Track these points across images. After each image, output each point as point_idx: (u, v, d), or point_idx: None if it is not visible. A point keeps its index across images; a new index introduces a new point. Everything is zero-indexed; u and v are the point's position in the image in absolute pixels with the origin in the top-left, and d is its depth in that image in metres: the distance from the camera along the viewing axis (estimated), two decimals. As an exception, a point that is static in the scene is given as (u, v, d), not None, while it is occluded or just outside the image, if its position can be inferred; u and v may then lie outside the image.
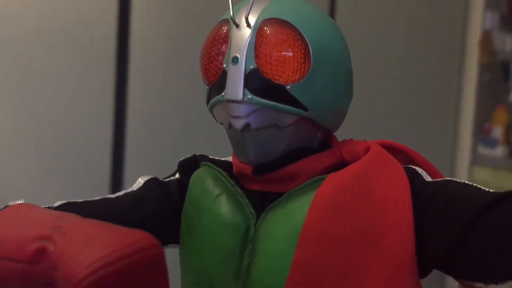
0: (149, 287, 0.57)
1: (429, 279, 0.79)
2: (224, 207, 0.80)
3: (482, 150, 2.81)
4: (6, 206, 0.79)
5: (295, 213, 0.75)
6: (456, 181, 0.73)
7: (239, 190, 0.81)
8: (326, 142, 0.83)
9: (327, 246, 0.72)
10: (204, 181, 0.84)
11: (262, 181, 0.80)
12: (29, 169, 1.85)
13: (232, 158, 0.85)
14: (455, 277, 0.71)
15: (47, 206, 0.82)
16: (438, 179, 0.76)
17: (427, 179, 0.76)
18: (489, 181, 2.80)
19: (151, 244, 0.57)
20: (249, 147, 0.78)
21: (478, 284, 0.69)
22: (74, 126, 1.92)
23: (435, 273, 0.76)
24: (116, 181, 1.99)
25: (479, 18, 2.81)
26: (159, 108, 2.07)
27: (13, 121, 1.82)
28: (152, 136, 2.05)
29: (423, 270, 0.74)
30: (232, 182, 0.82)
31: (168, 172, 0.95)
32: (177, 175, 0.92)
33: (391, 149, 0.81)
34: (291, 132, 0.77)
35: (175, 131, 2.10)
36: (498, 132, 2.75)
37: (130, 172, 2.00)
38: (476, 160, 2.84)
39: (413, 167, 0.78)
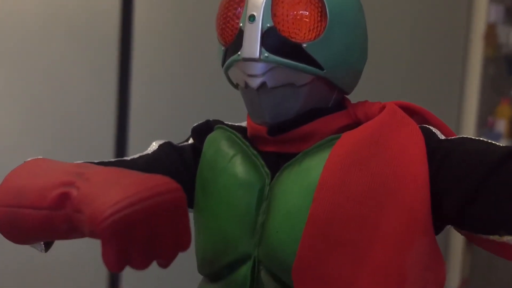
0: (171, 229, 0.56)
1: None
2: (239, 167, 0.81)
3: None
4: (25, 162, 0.79)
5: (310, 170, 0.75)
6: (471, 138, 0.74)
7: (254, 151, 0.81)
8: (341, 104, 0.83)
9: (342, 201, 0.72)
10: (218, 143, 0.85)
11: (277, 142, 0.80)
12: (33, 150, 1.85)
13: (247, 120, 0.85)
14: (470, 230, 0.72)
15: None
16: (453, 137, 0.76)
17: (441, 138, 0.76)
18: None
19: (174, 188, 0.57)
20: (264, 107, 0.78)
21: (492, 237, 0.69)
22: (77, 121, 1.92)
23: (438, 238, 0.76)
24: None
25: (484, 12, 2.82)
26: (162, 102, 2.07)
27: (16, 116, 1.82)
28: (155, 130, 2.05)
29: (438, 226, 0.74)
30: (247, 143, 0.82)
31: None
32: (190, 141, 0.93)
33: (407, 110, 0.82)
34: (306, 92, 0.78)
35: (178, 126, 2.09)
36: (501, 125, 2.75)
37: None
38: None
39: (428, 126, 0.78)
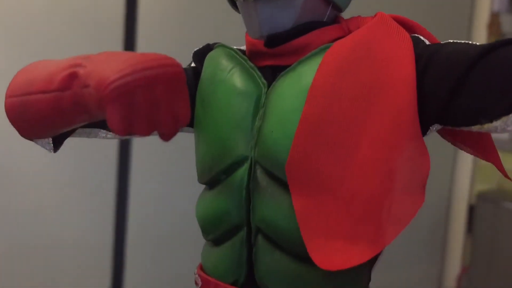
0: (170, 101, 0.61)
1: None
2: (237, 78, 0.84)
3: (488, 132, 2.81)
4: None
5: (304, 75, 0.79)
6: (456, 41, 0.76)
7: (252, 64, 0.84)
8: (335, 20, 0.86)
9: (334, 101, 0.75)
10: (218, 58, 0.88)
11: (273, 55, 0.83)
12: (41, 152, 1.85)
13: (245, 38, 0.88)
14: (453, 125, 0.74)
15: None
16: (439, 42, 0.79)
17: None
18: (494, 163, 2.81)
19: (174, 62, 0.62)
20: (261, 19, 0.81)
21: (475, 128, 0.72)
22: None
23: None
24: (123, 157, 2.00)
25: (487, 1, 2.82)
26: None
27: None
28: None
29: (424, 126, 0.78)
30: (245, 58, 0.86)
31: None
32: (192, 65, 0.95)
33: (399, 22, 0.84)
34: (301, 5, 0.81)
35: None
36: (504, 114, 2.75)
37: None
38: (481, 143, 2.85)
39: (418, 35, 0.81)
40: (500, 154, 2.76)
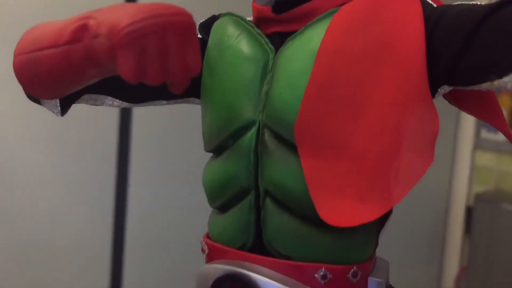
0: (181, 50, 0.61)
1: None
2: (244, 44, 0.84)
3: (485, 134, 2.82)
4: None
5: (313, 37, 0.79)
6: (466, 2, 0.76)
7: (259, 31, 0.84)
8: None
9: (343, 61, 0.76)
10: (225, 25, 0.88)
11: (280, 21, 0.83)
12: (39, 152, 1.86)
13: (252, 5, 0.88)
14: (463, 84, 0.74)
15: None
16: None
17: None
18: (492, 165, 2.82)
19: (185, 12, 0.61)
20: None
21: (484, 85, 0.72)
22: (79, 116, 1.92)
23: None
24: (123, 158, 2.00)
25: (486, 1, 2.83)
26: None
27: (21, 112, 1.83)
28: (157, 124, 2.05)
29: (433, 88, 0.78)
30: (252, 25, 0.86)
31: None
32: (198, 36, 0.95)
33: None
34: None
35: (181, 126, 2.11)
36: (501, 116, 2.77)
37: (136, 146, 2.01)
38: (479, 144, 2.86)
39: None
40: (497, 156, 2.77)
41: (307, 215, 0.79)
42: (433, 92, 0.78)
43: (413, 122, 0.75)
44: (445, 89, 0.78)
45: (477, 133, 2.87)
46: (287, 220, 0.80)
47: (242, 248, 0.84)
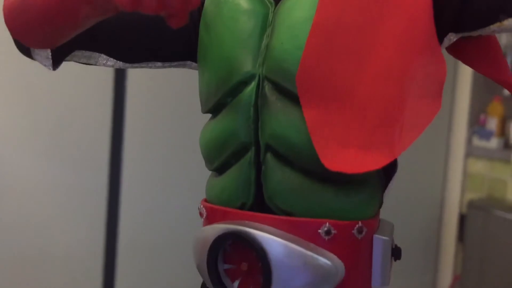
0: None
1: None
2: None
3: (477, 141, 2.83)
4: None
5: None
6: None
7: None
8: None
9: (346, 8, 0.74)
10: None
11: None
12: (29, 160, 1.84)
13: None
14: (471, 29, 0.73)
15: None
16: None
17: None
18: (484, 172, 2.82)
19: None
20: None
21: (493, 26, 0.71)
22: (73, 121, 1.92)
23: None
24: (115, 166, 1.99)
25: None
26: (157, 104, 2.07)
27: (12, 117, 1.82)
28: (150, 131, 2.05)
29: (439, 36, 0.76)
30: None
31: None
32: None
33: None
34: None
35: (174, 126, 2.10)
36: (493, 123, 2.78)
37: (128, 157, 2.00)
38: (471, 152, 2.87)
39: None
40: (490, 163, 2.78)
41: (310, 169, 0.76)
42: (439, 42, 0.76)
43: (420, 69, 0.73)
44: (451, 38, 0.76)
45: (469, 141, 2.88)
46: (289, 175, 0.77)
47: (242, 207, 0.81)
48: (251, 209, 0.81)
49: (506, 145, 2.78)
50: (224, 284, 0.79)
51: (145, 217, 2.07)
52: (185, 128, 2.12)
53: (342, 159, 0.72)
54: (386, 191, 0.83)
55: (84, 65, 1.91)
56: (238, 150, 0.81)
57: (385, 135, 0.73)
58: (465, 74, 2.89)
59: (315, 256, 0.75)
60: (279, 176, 0.78)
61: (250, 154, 0.80)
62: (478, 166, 2.85)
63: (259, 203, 0.80)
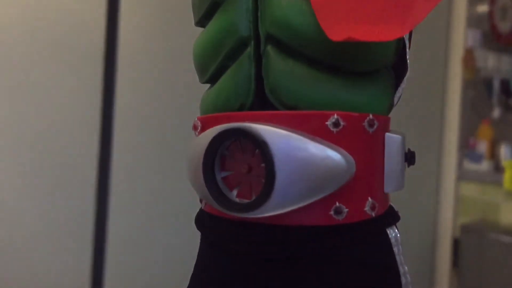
0: None
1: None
2: None
3: (468, 165, 2.82)
4: None
5: None
6: None
7: None
8: None
9: None
10: None
11: None
12: (14, 170, 1.81)
13: None
14: None
15: None
16: None
17: None
18: (476, 196, 2.81)
19: None
20: None
21: None
22: (60, 134, 1.90)
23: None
24: (103, 176, 1.96)
25: (461, 36, 2.88)
26: (147, 112, 2.06)
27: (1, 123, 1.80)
28: (139, 140, 2.03)
29: None
30: None
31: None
32: None
33: None
34: None
35: (163, 135, 2.08)
36: (483, 146, 2.78)
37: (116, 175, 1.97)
38: (462, 175, 2.85)
39: None
40: (481, 186, 2.77)
41: (315, 57, 0.71)
42: None
43: None
44: None
45: (460, 164, 2.87)
46: (292, 66, 0.71)
47: (241, 109, 0.75)
48: (251, 108, 0.74)
49: (497, 168, 2.77)
50: (223, 193, 0.72)
51: (133, 247, 2.03)
52: (177, 130, 2.10)
53: (352, 32, 0.66)
54: (397, 93, 0.79)
55: (73, 80, 1.89)
56: (237, 47, 0.76)
57: (397, 8, 0.67)
58: (454, 99, 2.90)
59: (323, 146, 0.68)
60: (281, 67, 0.72)
61: (250, 49, 0.74)
62: (470, 190, 2.84)
63: (260, 103, 0.74)
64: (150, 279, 2.07)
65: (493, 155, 2.79)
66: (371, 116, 0.71)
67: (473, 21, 2.85)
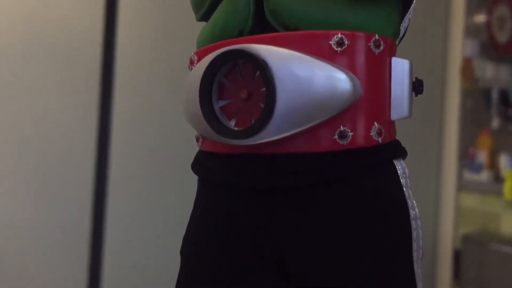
0: None
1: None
2: None
3: (468, 175, 2.80)
4: None
5: None
6: None
7: None
8: None
9: None
10: None
11: None
12: (11, 172, 1.79)
13: None
14: None
15: None
16: None
17: None
18: (476, 206, 2.79)
19: None
20: None
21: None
22: (59, 129, 1.88)
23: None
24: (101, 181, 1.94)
25: (459, 46, 2.88)
26: (144, 112, 2.05)
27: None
28: (137, 141, 2.02)
29: None
30: None
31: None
32: None
33: None
34: None
35: (160, 135, 2.07)
36: (482, 156, 2.76)
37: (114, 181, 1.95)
38: (462, 186, 2.83)
39: None
40: (481, 196, 2.74)
41: None
42: None
43: None
44: None
45: (460, 175, 2.85)
46: None
47: (239, 35, 0.71)
48: (250, 33, 0.71)
49: (496, 178, 2.75)
50: (221, 122, 0.68)
51: (130, 260, 2.00)
52: (173, 130, 2.08)
53: None
54: (403, 23, 0.77)
55: (70, 88, 1.88)
56: None
57: None
58: (452, 109, 2.89)
59: (327, 65, 0.65)
60: None
61: None
62: (470, 200, 2.81)
63: (259, 27, 0.71)
64: (147, 277, 2.04)
65: (493, 165, 2.78)
66: (377, 36, 0.68)
67: (470, 31, 2.86)
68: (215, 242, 0.73)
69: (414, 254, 0.70)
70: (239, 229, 0.71)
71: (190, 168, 0.79)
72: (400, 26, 0.75)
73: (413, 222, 0.70)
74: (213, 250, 0.73)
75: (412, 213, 0.71)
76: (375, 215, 0.68)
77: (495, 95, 2.78)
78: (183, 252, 0.78)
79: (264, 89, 0.65)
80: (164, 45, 2.08)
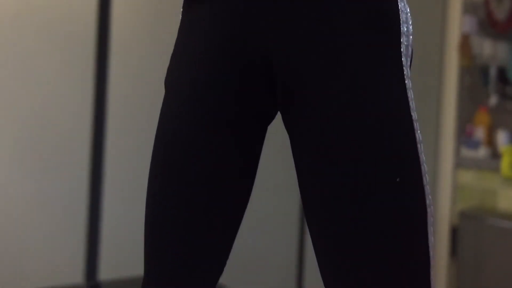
0: None
1: None
2: None
3: (466, 152, 2.82)
4: None
5: None
6: None
7: None
8: None
9: None
10: None
11: None
12: (7, 163, 1.79)
13: None
14: None
15: None
16: None
17: None
18: (474, 183, 2.80)
19: None
20: None
21: None
22: (52, 121, 1.87)
23: None
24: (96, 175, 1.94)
25: (457, 23, 2.88)
26: (139, 103, 2.04)
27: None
28: (133, 133, 2.02)
29: None
30: None
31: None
32: None
33: None
34: None
35: (157, 115, 2.07)
36: (480, 133, 2.77)
37: (110, 171, 1.95)
38: (460, 163, 2.85)
39: None
40: (479, 173, 2.76)
41: None
42: None
43: None
44: None
45: (457, 152, 2.86)
46: None
47: None
48: None
49: (494, 155, 2.77)
50: None
51: (126, 246, 2.01)
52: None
53: None
54: None
55: (63, 65, 1.88)
56: None
57: None
58: (450, 86, 2.90)
59: None
60: None
61: None
62: (468, 177, 2.83)
63: None
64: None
65: (490, 141, 2.79)
66: None
67: (469, 7, 2.85)
68: (199, 56, 0.71)
69: (403, 47, 0.70)
70: (226, 35, 0.70)
71: None
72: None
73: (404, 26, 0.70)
74: (196, 66, 0.72)
75: (403, 16, 0.70)
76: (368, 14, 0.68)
77: (493, 72, 2.79)
78: (166, 80, 0.77)
79: None
80: (160, 34, 2.08)
